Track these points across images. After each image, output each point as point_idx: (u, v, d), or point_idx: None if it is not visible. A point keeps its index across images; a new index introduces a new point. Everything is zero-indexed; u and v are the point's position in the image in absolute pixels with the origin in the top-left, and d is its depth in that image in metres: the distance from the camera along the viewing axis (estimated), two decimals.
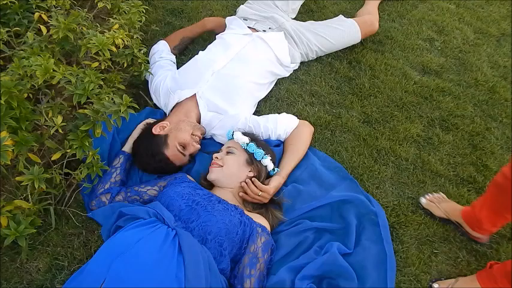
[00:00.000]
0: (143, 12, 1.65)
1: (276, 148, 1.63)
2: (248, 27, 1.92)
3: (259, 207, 1.47)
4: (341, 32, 2.05)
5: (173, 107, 1.66)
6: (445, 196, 1.60)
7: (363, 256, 1.38)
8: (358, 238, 1.43)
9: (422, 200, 1.59)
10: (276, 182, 1.50)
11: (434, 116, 1.92)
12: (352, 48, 2.15)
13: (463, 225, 1.49)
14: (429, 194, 1.61)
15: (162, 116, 1.71)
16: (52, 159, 1.30)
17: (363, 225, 1.46)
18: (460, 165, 1.74)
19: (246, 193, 1.46)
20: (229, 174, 1.46)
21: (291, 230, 1.43)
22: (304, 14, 2.33)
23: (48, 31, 1.38)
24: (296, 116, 1.74)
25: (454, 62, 2.20)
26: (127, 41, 1.47)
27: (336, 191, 1.54)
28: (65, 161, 1.34)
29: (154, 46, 1.91)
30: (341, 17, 2.13)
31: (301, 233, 1.42)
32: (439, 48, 2.26)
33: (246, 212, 1.39)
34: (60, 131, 1.21)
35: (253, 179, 1.46)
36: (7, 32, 1.41)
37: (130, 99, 1.27)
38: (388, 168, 1.70)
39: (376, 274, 1.34)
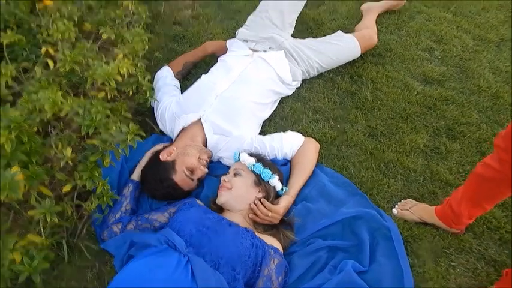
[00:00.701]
0: (146, 41, 1.68)
1: (283, 167, 1.63)
2: (249, 48, 1.95)
3: (270, 228, 1.46)
4: (340, 47, 2.08)
5: (179, 132, 1.68)
6: (412, 200, 1.60)
7: (379, 273, 1.35)
8: (373, 254, 1.41)
9: (394, 211, 1.58)
10: (285, 202, 1.49)
11: (439, 125, 1.91)
12: (352, 62, 2.16)
13: (438, 224, 1.52)
14: (398, 203, 1.61)
15: (169, 141, 1.73)
16: (63, 191, 1.31)
17: (376, 240, 1.44)
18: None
19: (255, 214, 1.45)
20: (237, 196, 1.46)
21: (304, 250, 1.41)
22: (303, 32, 2.37)
23: (55, 64, 1.42)
24: (301, 133, 1.75)
25: (455, 70, 2.20)
26: (131, 70, 1.50)
27: (346, 207, 1.53)
28: (76, 193, 1.35)
29: (158, 72, 1.95)
30: (339, 32, 2.15)
31: (314, 253, 1.41)
32: (439, 57, 2.27)
33: (258, 234, 1.38)
34: (70, 163, 1.22)
35: (262, 199, 1.46)
36: (16, 68, 1.45)
37: (137, 127, 1.29)
38: (397, 181, 1.69)
39: None
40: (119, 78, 1.43)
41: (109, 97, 1.47)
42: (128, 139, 1.27)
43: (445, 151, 1.81)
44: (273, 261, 1.31)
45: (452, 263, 1.46)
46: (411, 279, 1.36)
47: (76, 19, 1.62)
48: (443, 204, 1.50)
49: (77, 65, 1.37)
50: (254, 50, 1.96)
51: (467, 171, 1.74)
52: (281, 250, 1.38)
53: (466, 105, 2.01)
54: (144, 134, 1.31)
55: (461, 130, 1.89)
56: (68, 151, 1.21)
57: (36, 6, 1.58)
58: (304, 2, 2.15)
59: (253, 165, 1.49)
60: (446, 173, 1.72)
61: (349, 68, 2.16)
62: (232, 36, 2.23)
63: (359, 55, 2.14)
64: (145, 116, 1.85)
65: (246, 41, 2.02)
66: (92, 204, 1.37)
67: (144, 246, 1.23)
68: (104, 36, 1.57)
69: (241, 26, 2.14)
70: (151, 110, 1.85)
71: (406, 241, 1.49)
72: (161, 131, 1.80)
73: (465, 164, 1.76)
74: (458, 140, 1.85)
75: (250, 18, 2.12)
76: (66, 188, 1.30)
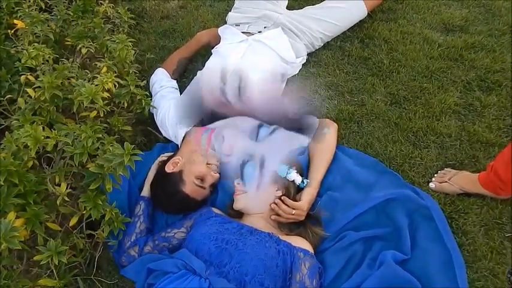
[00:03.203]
0: (130, 46, 1.55)
1: (301, 157, 1.49)
2: (242, 32, 1.78)
3: (297, 227, 1.34)
4: (343, 10, 1.87)
5: (183, 138, 1.56)
6: (451, 170, 1.43)
7: (424, 260, 1.22)
8: (414, 239, 1.27)
9: (432, 185, 1.41)
10: (308, 196, 1.36)
11: (470, 78, 1.70)
12: (360, 24, 1.95)
13: (483, 193, 1.34)
14: (435, 175, 1.44)
15: (174, 149, 1.62)
16: (70, 225, 1.24)
17: (416, 223, 1.30)
18: None
19: (278, 215, 1.33)
20: (255, 198, 1.34)
21: (337, 246, 1.29)
22: (302, 1, 2.16)
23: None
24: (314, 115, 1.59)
25: (478, 11, 1.95)
26: (118, 82, 1.39)
27: (377, 190, 1.38)
28: (84, 223, 1.27)
29: (152, 76, 1.82)
30: None
31: (348, 247, 1.28)
32: None
33: (283, 237, 1.27)
34: (66, 198, 1.13)
35: (282, 197, 1.33)
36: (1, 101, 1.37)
37: (133, 146, 1.18)
38: (431, 151, 1.51)
39: (444, 277, 1.19)
40: (106, 95, 1.32)
41: (102, 115, 1.38)
42: (125, 161, 1.16)
43: (480, 107, 1.61)
44: (304, 265, 1.20)
45: (508, 234, 1.29)
46: (461, 261, 1.22)
47: (53, 37, 1.52)
48: (487, 171, 1.32)
49: (57, 89, 1.27)
50: (249, 33, 1.79)
51: (509, 125, 1.53)
52: (311, 250, 1.26)
53: (497, 49, 1.78)
54: (141, 152, 1.20)
55: (496, 79, 1.67)
56: (62, 188, 1.12)
57: (9, 32, 1.48)
58: None
59: None
60: (486, 132, 1.53)
61: (358, 31, 1.95)
62: (225, 21, 2.06)
63: (366, 14, 1.93)
64: (147, 125, 1.74)
65: (238, 25, 1.84)
66: (103, 232, 1.29)
67: (162, 273, 1.14)
68: (83, 50, 1.45)
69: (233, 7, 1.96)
70: (152, 116, 1.74)
71: (449, 218, 1.33)
72: (165, 138, 1.69)
73: (506, 117, 1.56)
74: (494, 91, 1.64)
75: None
76: (73, 221, 1.23)
